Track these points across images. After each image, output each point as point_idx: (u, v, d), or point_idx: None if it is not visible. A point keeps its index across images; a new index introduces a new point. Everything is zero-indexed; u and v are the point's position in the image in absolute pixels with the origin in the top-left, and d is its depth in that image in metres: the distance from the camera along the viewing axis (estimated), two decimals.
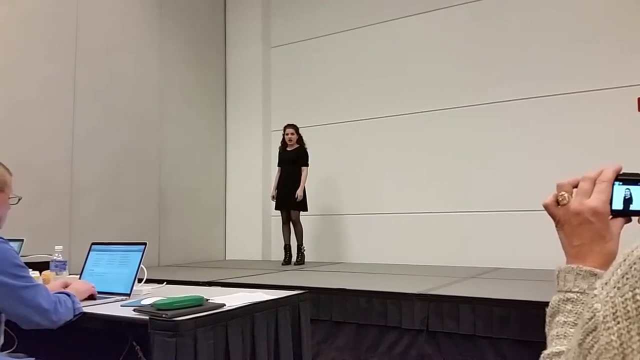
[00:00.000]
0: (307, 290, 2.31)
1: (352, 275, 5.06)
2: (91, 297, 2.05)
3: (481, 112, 5.94)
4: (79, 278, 2.28)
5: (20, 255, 1.96)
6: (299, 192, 5.81)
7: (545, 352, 0.64)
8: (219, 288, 2.65)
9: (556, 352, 0.62)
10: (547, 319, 0.68)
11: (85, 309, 1.84)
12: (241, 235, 7.36)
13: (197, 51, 7.29)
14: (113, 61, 6.06)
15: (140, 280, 2.28)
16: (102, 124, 5.90)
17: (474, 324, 3.22)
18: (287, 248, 6.08)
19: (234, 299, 1.98)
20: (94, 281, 2.13)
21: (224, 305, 1.83)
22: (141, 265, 2.17)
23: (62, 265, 2.36)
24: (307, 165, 5.96)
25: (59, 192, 5.41)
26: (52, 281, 2.21)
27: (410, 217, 6.26)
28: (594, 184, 0.69)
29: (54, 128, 5.43)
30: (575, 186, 0.70)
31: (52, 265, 2.37)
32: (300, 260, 6.02)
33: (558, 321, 0.66)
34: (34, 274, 2.24)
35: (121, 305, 1.95)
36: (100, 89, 5.89)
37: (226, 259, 7.44)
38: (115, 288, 2.16)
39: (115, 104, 6.06)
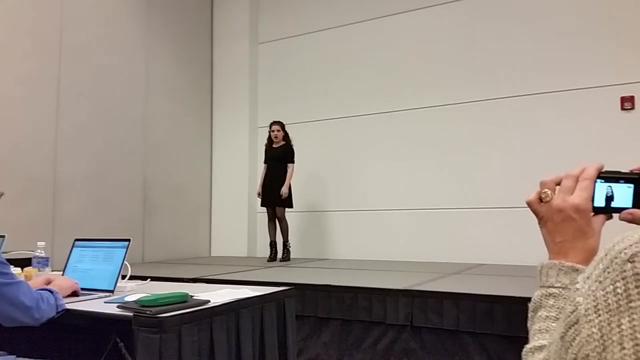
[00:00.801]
0: (292, 287, 2.31)
1: (337, 271, 5.07)
2: (74, 294, 2.03)
3: (466, 110, 5.98)
4: (62, 274, 2.26)
5: (1, 251, 1.94)
6: (284, 190, 5.81)
7: (528, 346, 0.65)
8: (204, 285, 2.63)
9: (538, 346, 0.63)
10: (530, 314, 0.69)
11: (68, 306, 1.82)
12: (227, 232, 7.33)
13: (184, 47, 7.24)
14: (98, 57, 5.99)
15: (124, 277, 2.27)
16: (87, 120, 5.83)
17: (457, 319, 3.24)
18: (273, 245, 6.07)
19: (218, 295, 1.97)
20: (77, 277, 2.11)
21: (208, 301, 1.82)
22: (125, 261, 2.15)
23: (44, 262, 2.33)
24: (293, 162, 5.95)
25: (42, 188, 5.35)
26: (34, 278, 2.19)
27: (396, 214, 6.29)
28: (577, 181, 0.70)
29: (37, 124, 5.35)
30: (558, 183, 0.71)
31: (34, 261, 2.34)
32: (286, 256, 6.02)
33: (540, 316, 0.67)
34: (16, 270, 2.21)
35: (105, 302, 1.93)
36: (85, 85, 5.82)
37: (211, 255, 7.41)
38: (99, 284, 2.14)
39: (100, 100, 5.99)
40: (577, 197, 0.68)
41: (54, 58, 5.52)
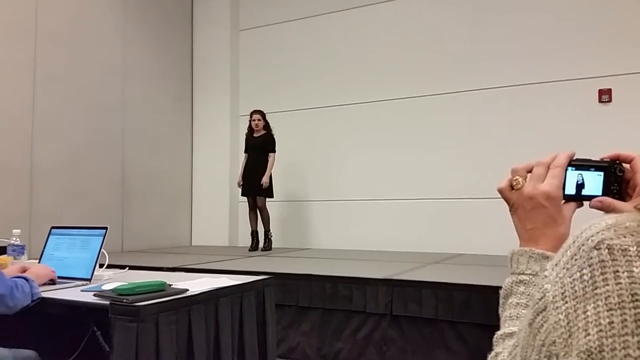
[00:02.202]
0: (271, 276, 2.31)
1: (318, 260, 5.09)
2: (51, 282, 2.01)
3: (445, 101, 6.00)
4: (39, 262, 2.23)
5: None
6: (265, 179, 5.78)
7: (499, 332, 0.66)
8: (183, 273, 2.62)
9: (509, 333, 0.64)
10: (501, 301, 0.70)
11: (45, 294, 1.80)
12: (208, 221, 7.29)
13: (163, 33, 7.11)
14: (74, 42, 5.87)
15: (101, 266, 2.25)
16: (64, 107, 5.73)
17: (436, 308, 3.28)
18: (254, 234, 6.06)
19: (197, 284, 1.96)
20: (53, 266, 2.09)
21: (186, 290, 1.82)
22: (103, 250, 2.13)
23: (20, 250, 2.30)
24: (274, 151, 5.92)
25: (18, 176, 5.26)
26: (9, 266, 2.16)
27: (376, 204, 6.31)
28: (548, 169, 0.70)
29: (13, 111, 5.25)
30: (530, 171, 0.71)
31: (9, 249, 2.31)
32: (267, 246, 6.02)
33: (511, 303, 0.67)
34: None
35: (81, 290, 1.91)
36: (61, 72, 5.70)
37: (192, 244, 7.37)
38: (76, 273, 2.12)
39: (77, 87, 5.88)
40: (548, 185, 0.69)
41: (29, 44, 5.40)
